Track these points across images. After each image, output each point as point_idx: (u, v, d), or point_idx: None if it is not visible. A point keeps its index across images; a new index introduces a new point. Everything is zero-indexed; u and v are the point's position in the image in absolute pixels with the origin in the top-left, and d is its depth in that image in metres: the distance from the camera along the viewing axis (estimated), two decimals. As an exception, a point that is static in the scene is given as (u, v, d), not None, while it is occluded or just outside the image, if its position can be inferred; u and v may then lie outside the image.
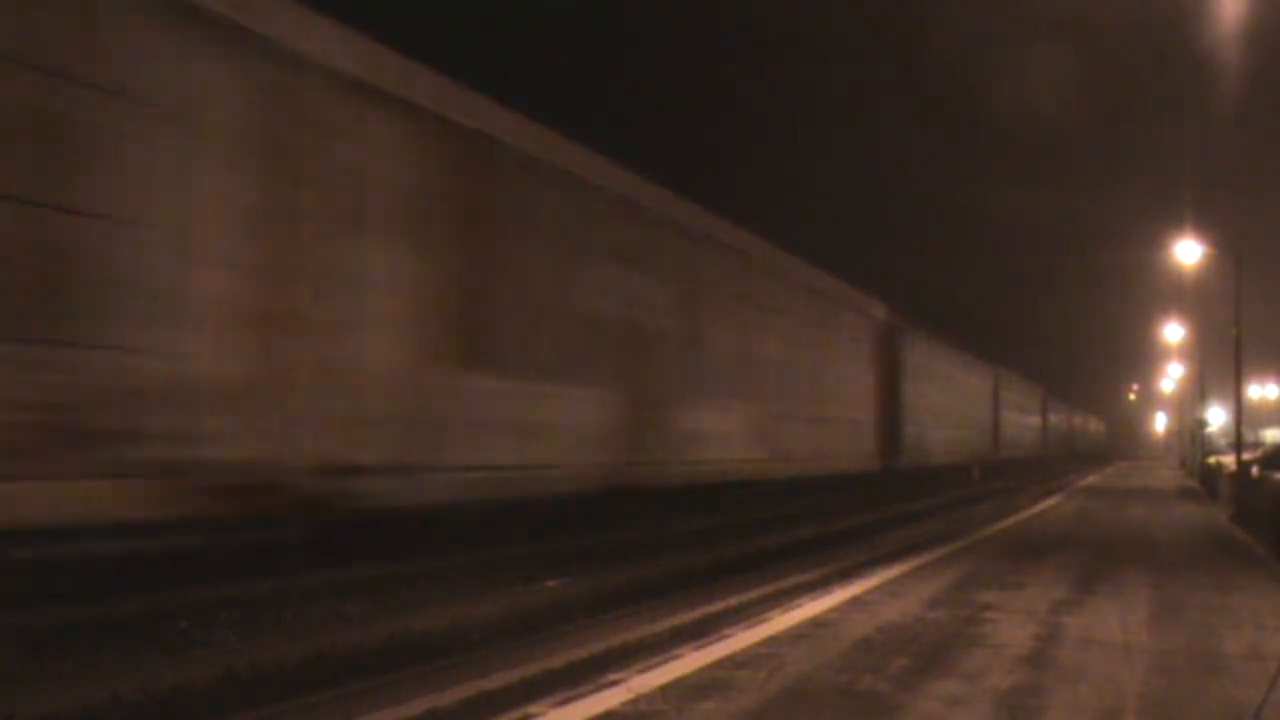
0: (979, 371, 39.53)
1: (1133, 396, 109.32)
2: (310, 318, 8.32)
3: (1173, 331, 48.19)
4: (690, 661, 6.07)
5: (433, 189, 9.78)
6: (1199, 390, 40.07)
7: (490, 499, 10.53)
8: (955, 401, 33.63)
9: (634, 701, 5.17)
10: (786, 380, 18.67)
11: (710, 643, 6.62)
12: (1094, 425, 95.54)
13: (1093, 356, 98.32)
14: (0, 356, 6.19)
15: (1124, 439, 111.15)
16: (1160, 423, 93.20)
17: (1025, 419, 51.85)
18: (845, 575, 10.40)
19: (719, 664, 6.02)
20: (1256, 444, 39.72)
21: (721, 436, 15.75)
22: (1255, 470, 20.89)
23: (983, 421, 39.88)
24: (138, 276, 6.95)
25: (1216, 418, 52.49)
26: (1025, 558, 11.85)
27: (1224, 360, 33.21)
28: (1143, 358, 78.39)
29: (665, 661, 6.07)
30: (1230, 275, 24.29)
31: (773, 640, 6.72)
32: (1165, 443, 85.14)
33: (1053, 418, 63.24)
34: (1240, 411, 26.39)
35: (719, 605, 9.05)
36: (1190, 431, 44.92)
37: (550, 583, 10.54)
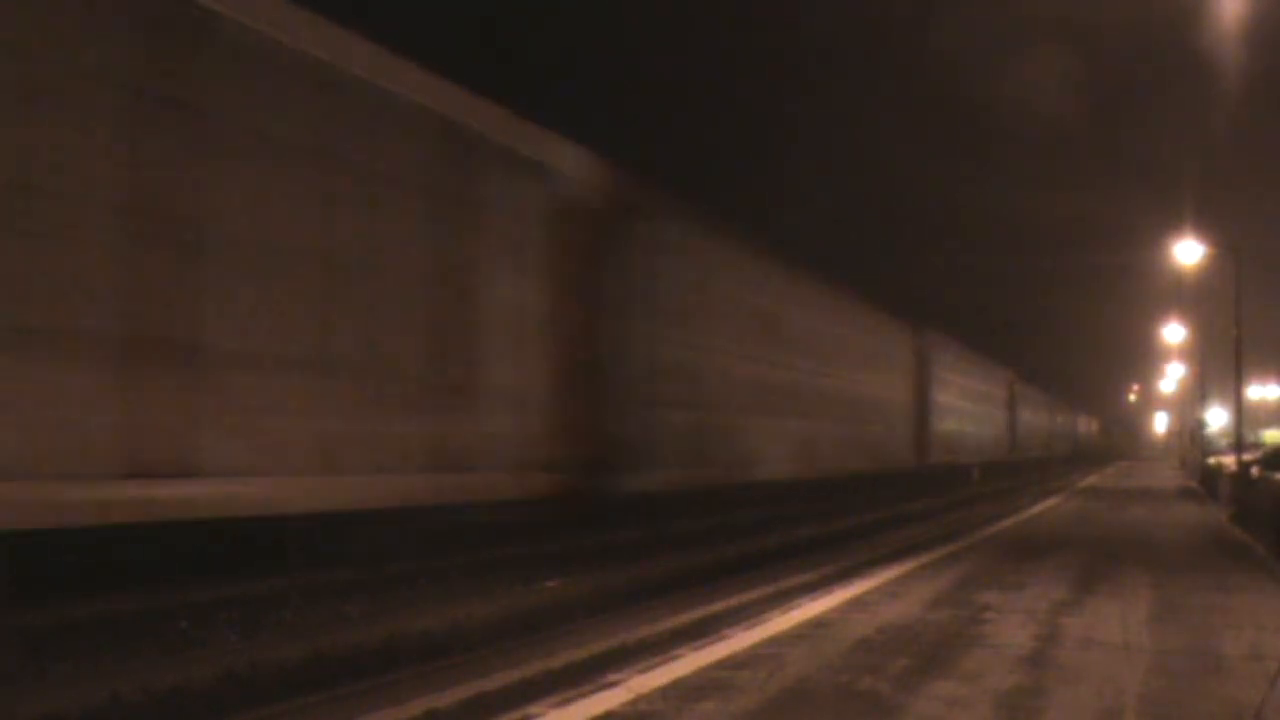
0: (886, 334, 26.26)
1: (1133, 397, 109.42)
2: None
3: (1173, 332, 48.27)
4: (690, 662, 6.07)
5: None
6: (1199, 391, 40.09)
7: None
8: (824, 373, 20.90)
9: (634, 702, 5.17)
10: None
11: (710, 643, 6.62)
12: (1084, 425, 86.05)
13: (1093, 356, 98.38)
14: None
15: (1122, 440, 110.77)
16: (1160, 423, 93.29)
17: (980, 410, 37.74)
18: (845, 576, 10.40)
19: (719, 664, 6.02)
20: (1256, 444, 39.73)
21: None
22: (1255, 471, 20.90)
23: (894, 409, 26.52)
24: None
25: (1216, 418, 52.53)
26: (1025, 558, 11.84)
27: (1224, 361, 33.27)
28: (1143, 358, 78.37)
29: (665, 662, 6.07)
30: (1230, 275, 24.32)
31: (772, 641, 6.72)
32: (1165, 443, 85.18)
33: (1026, 413, 49.73)
34: (1240, 412, 26.42)
35: (719, 605, 9.05)
36: (1190, 432, 44.94)
37: (550, 583, 10.54)
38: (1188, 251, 26.69)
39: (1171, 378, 62.71)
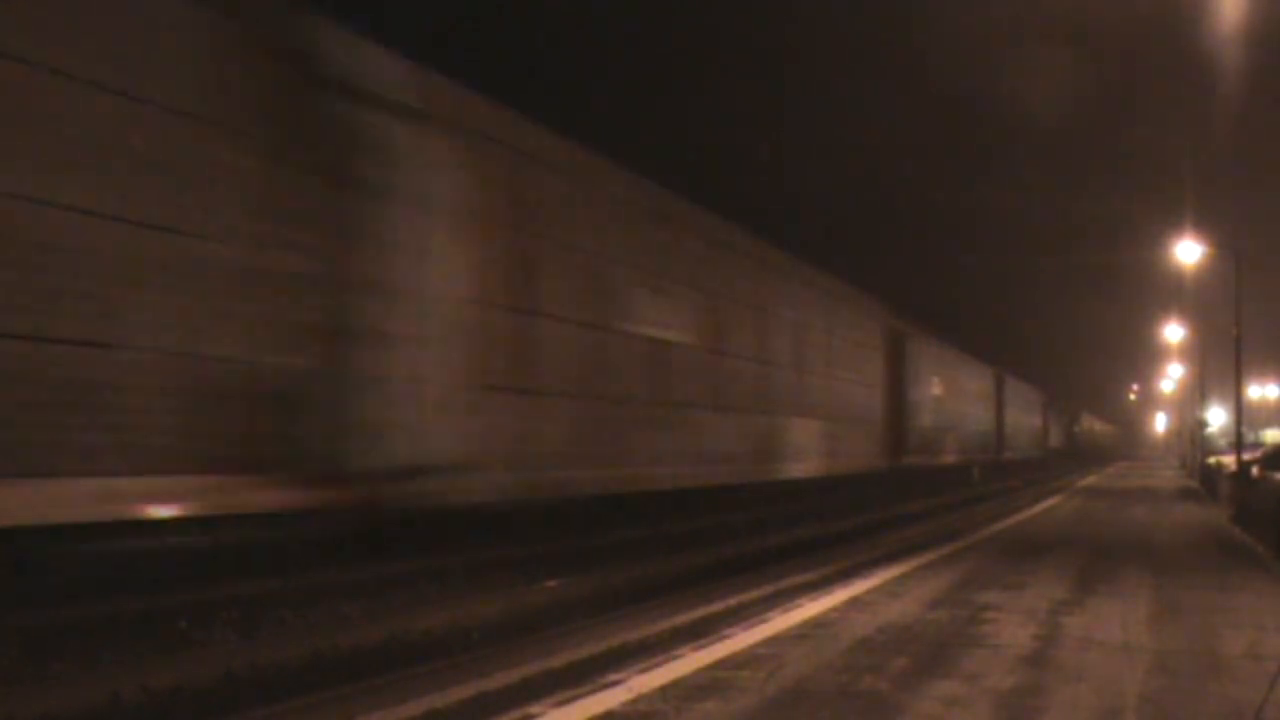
0: (851, 314, 22.18)
1: (1133, 396, 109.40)
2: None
3: (1173, 331, 48.25)
4: (690, 662, 6.07)
5: None
6: (1199, 390, 40.06)
7: None
8: (757, 356, 16.87)
9: (634, 701, 5.16)
10: None
11: (710, 643, 6.62)
12: (1075, 423, 76.72)
13: (1092, 356, 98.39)
14: None
15: (1106, 438, 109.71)
16: (1160, 423, 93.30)
17: (966, 407, 33.91)
18: (845, 575, 10.39)
19: (719, 664, 6.02)
20: (1256, 444, 39.71)
21: None
22: (1255, 470, 20.92)
23: (858, 403, 22.45)
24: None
25: (1216, 418, 52.51)
26: (1025, 558, 11.84)
27: (1224, 361, 33.23)
28: (1143, 358, 78.32)
29: (665, 661, 6.07)
30: (1230, 275, 24.30)
31: (773, 640, 6.72)
32: (1165, 443, 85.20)
33: (1011, 412, 43.80)
34: (1240, 411, 26.38)
35: (719, 605, 9.03)
36: (1190, 431, 44.89)
37: (550, 583, 10.52)
38: (1188, 251, 26.67)
39: (1171, 378, 62.72)
